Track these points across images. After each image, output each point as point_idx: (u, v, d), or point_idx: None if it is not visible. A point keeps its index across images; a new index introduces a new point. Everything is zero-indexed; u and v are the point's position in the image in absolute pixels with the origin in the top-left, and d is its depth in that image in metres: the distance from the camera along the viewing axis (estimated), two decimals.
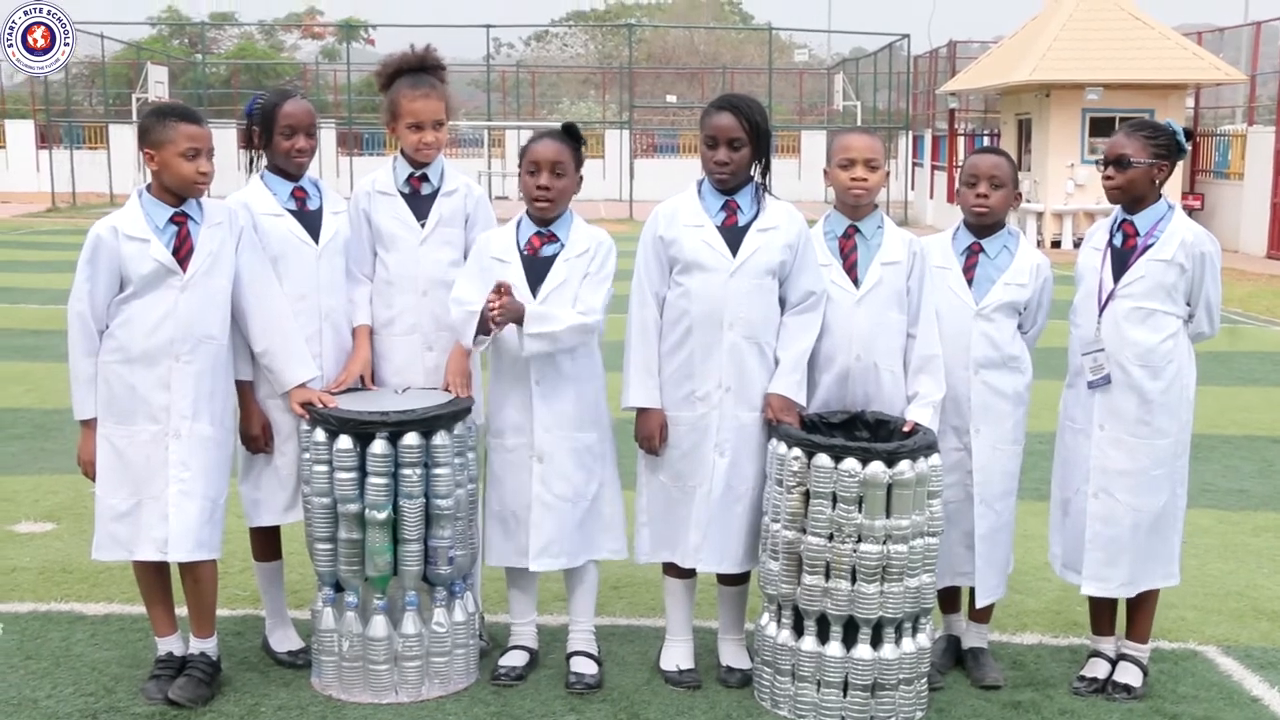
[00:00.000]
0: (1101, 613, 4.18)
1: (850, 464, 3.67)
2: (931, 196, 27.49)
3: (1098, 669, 4.11)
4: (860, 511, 3.69)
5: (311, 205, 4.12)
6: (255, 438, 4.04)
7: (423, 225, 4.15)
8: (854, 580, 3.72)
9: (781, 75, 37.76)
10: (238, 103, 38.77)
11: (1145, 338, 3.93)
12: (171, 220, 3.81)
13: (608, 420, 4.13)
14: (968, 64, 26.55)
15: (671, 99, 39.97)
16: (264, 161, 4.14)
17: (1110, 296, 3.97)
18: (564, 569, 4.10)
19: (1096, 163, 4.15)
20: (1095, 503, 3.99)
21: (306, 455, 3.87)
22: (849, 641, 3.78)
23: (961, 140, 26.05)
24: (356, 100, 33.92)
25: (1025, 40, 22.40)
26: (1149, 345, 3.92)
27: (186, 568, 3.87)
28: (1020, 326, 4.12)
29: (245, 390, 4.02)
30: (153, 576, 3.92)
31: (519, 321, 3.86)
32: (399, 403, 3.93)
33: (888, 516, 3.70)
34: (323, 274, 4.09)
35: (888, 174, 4.10)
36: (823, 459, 3.70)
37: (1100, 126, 20.23)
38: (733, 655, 4.15)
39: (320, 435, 3.82)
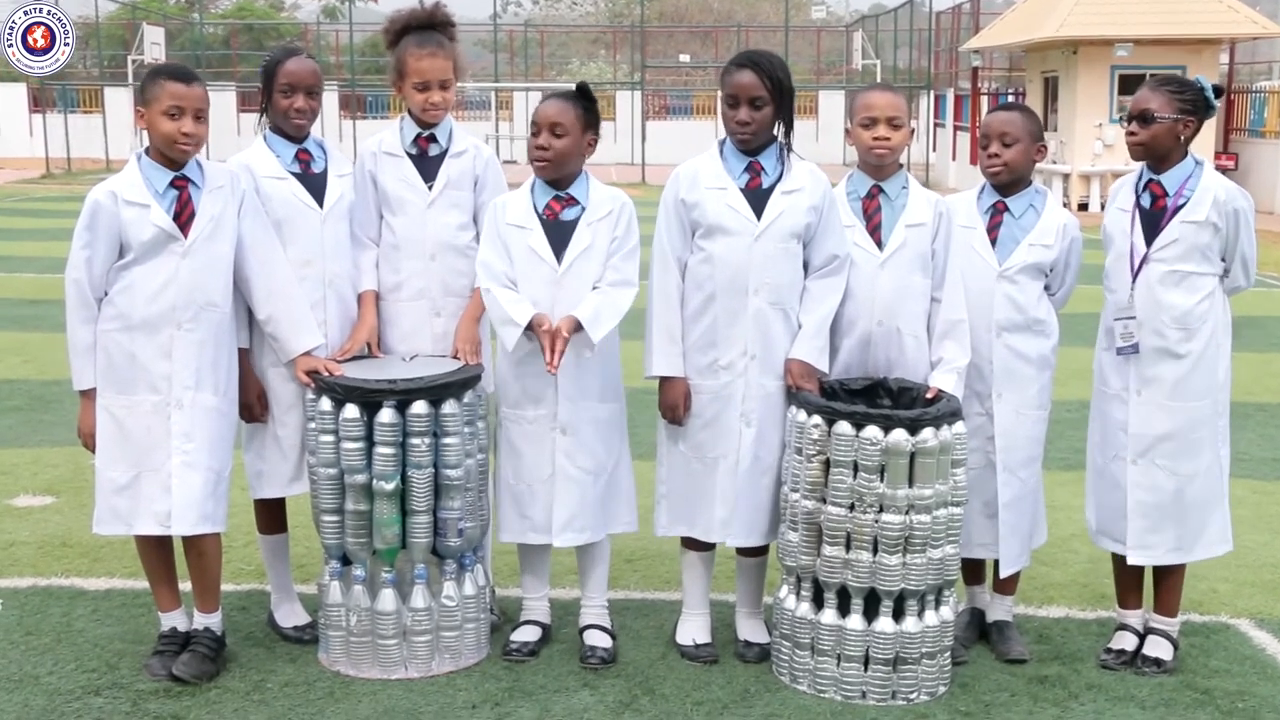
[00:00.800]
0: (1127, 585, 4.08)
1: (872, 431, 3.57)
2: (954, 158, 27.16)
3: (1125, 642, 4.02)
4: (882, 481, 3.60)
5: (316, 168, 4.03)
6: (250, 406, 3.95)
7: (430, 188, 4.04)
8: (875, 551, 3.64)
9: (798, 33, 37.42)
10: (236, 64, 38.62)
11: (1181, 300, 3.82)
12: (172, 184, 3.71)
13: (623, 392, 4.06)
14: (991, 20, 26.15)
15: (685, 59, 39.64)
16: (268, 122, 4.03)
17: (1144, 261, 3.85)
18: (585, 544, 4.01)
19: (1121, 119, 4.00)
20: (1135, 469, 3.90)
21: (312, 425, 3.79)
22: (870, 614, 3.70)
23: (985, 100, 25.71)
24: (359, 61, 33.68)
25: None
26: (1185, 308, 3.82)
27: (190, 541, 3.80)
28: (1047, 288, 3.99)
29: (242, 358, 3.93)
30: (155, 551, 3.85)
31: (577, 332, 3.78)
32: (407, 370, 3.85)
33: (910, 486, 3.61)
34: (327, 239, 3.99)
35: (912, 132, 3.96)
36: (844, 426, 3.60)
37: (1130, 84, 19.82)
38: (750, 629, 4.06)
39: (326, 404, 3.74)
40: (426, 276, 4.05)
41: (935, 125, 29.14)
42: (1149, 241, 3.85)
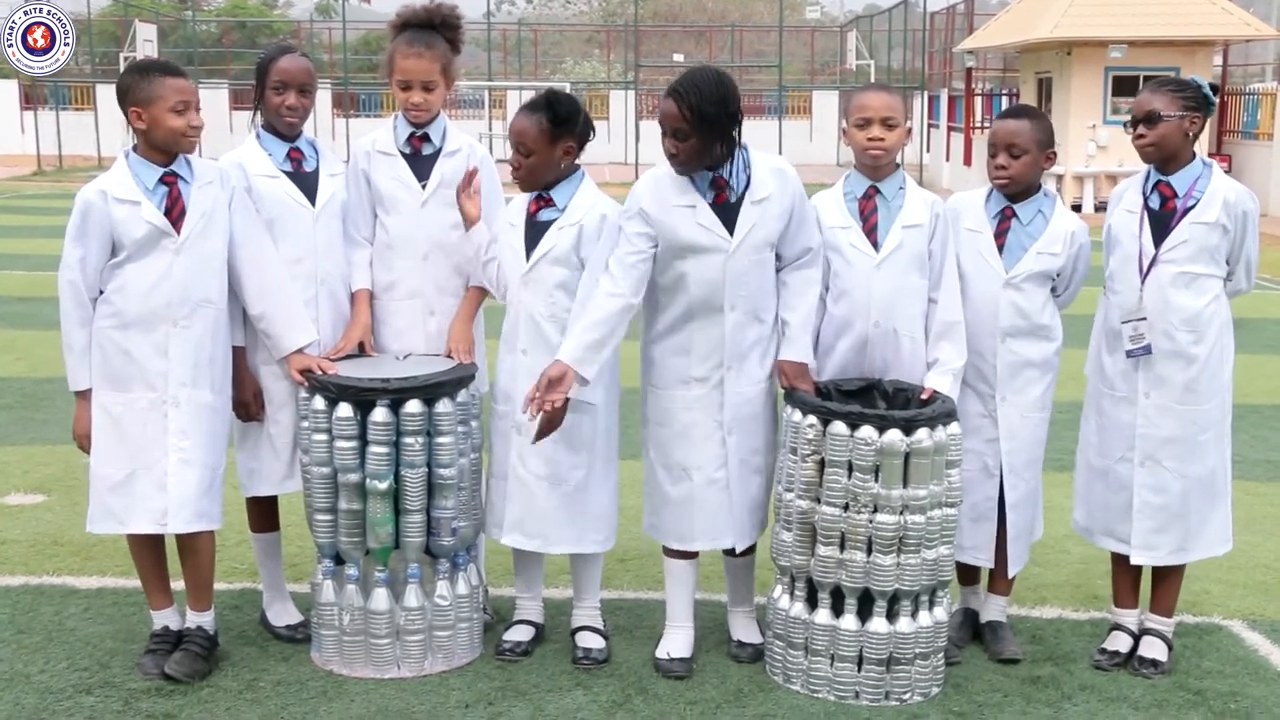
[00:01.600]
0: (1125, 585, 4.07)
1: (866, 432, 3.57)
2: (948, 159, 27.18)
3: (1120, 642, 4.02)
4: (877, 481, 3.59)
5: (308, 166, 4.01)
6: (246, 404, 3.94)
7: (424, 186, 4.02)
8: (870, 552, 3.63)
9: (792, 33, 37.42)
10: (229, 62, 38.45)
11: (1190, 303, 3.82)
12: (161, 180, 3.70)
13: (604, 401, 3.91)
14: (986, 20, 26.13)
15: (679, 58, 39.48)
16: (261, 121, 4.02)
17: (1153, 262, 3.84)
18: (537, 551, 3.97)
19: (1125, 124, 3.99)
20: (1143, 471, 3.90)
21: (305, 424, 3.78)
22: (864, 615, 3.70)
23: (979, 100, 25.71)
24: (353, 59, 33.57)
25: None
26: (1194, 310, 3.82)
27: (184, 539, 3.79)
28: (1053, 290, 3.98)
29: (237, 355, 3.91)
30: (148, 549, 3.83)
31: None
32: (400, 369, 3.84)
33: (905, 486, 3.60)
34: (319, 237, 3.98)
35: (909, 132, 3.93)
36: (838, 426, 3.60)
37: (1123, 85, 19.91)
38: (744, 629, 4.05)
39: (319, 403, 3.72)
40: (420, 275, 4.03)
41: (930, 126, 29.15)
42: (1158, 243, 3.84)
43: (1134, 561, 3.96)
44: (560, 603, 4.27)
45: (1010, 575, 4.08)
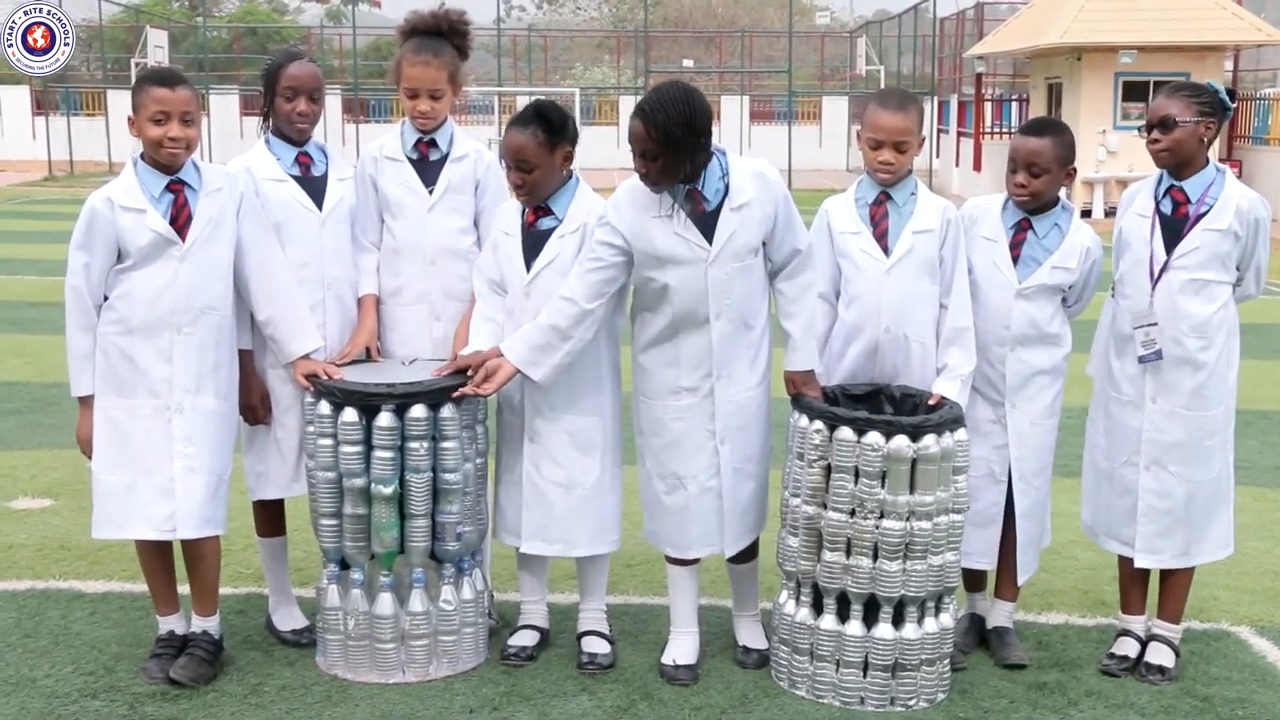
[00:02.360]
0: (1132, 590, 4.06)
1: (873, 438, 3.56)
2: (958, 165, 27.12)
3: (1127, 648, 4.00)
4: (883, 487, 3.58)
5: (316, 171, 4.03)
6: (254, 408, 3.94)
7: (431, 192, 4.03)
8: (876, 557, 3.62)
9: (802, 39, 37.40)
10: (240, 68, 38.60)
11: (1200, 309, 3.80)
12: (168, 188, 3.70)
13: (611, 405, 3.95)
14: (996, 26, 26.10)
15: (688, 63, 39.55)
16: (270, 126, 4.03)
17: (1164, 268, 3.82)
18: (558, 556, 3.98)
19: (1139, 129, 3.97)
20: (1148, 475, 3.89)
21: (311, 428, 3.78)
22: (870, 620, 3.69)
23: (989, 106, 25.66)
24: (362, 65, 33.66)
25: (1056, 1, 21.98)
26: (1204, 317, 3.81)
27: (190, 545, 3.79)
28: (1064, 300, 3.98)
29: (245, 359, 3.92)
30: (154, 554, 3.84)
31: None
32: (406, 374, 3.84)
33: (911, 492, 3.59)
34: (326, 242, 3.98)
35: (922, 142, 3.88)
36: (845, 432, 3.59)
37: (1134, 91, 19.87)
38: (749, 634, 4.04)
39: (325, 408, 3.73)
40: (426, 281, 4.04)
41: (939, 131, 29.11)
42: (1169, 249, 3.82)
43: (1137, 564, 3.96)
44: (565, 608, 4.26)
45: (1020, 583, 4.07)
